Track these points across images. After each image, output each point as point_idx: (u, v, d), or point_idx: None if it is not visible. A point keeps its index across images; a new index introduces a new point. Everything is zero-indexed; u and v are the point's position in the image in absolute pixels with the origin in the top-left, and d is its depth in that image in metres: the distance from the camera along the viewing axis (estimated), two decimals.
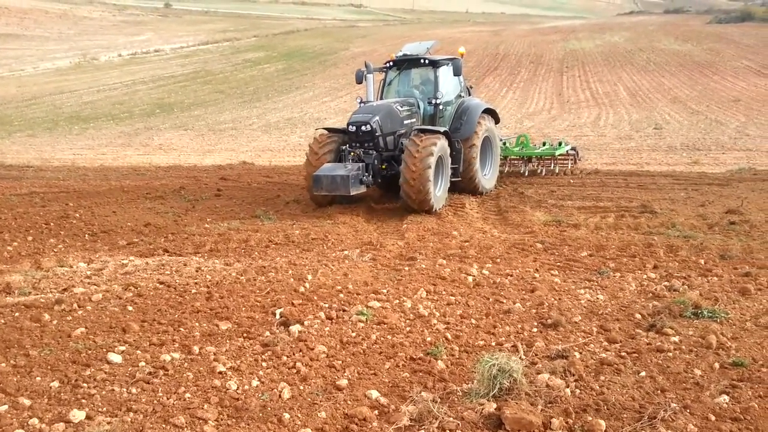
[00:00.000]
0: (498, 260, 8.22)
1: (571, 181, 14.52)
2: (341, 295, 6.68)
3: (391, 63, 13.22)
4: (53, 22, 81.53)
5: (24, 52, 62.81)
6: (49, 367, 4.79)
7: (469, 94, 13.89)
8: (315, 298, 6.55)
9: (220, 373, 4.76)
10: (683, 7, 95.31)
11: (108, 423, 3.95)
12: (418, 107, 12.74)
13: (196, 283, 6.97)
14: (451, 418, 4.11)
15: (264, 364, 4.98)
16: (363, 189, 11.35)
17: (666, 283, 7.05)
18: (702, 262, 7.88)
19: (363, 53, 51.38)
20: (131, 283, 6.86)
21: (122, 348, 5.16)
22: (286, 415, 4.20)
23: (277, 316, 5.98)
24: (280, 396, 4.46)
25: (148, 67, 54.81)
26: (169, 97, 41.40)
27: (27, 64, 56.73)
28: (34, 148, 25.63)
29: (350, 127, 11.64)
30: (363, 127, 11.45)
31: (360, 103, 12.63)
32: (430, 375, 4.84)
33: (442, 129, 11.87)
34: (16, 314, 5.89)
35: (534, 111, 31.52)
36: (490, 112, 13.72)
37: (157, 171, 18.37)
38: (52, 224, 10.53)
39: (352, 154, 11.50)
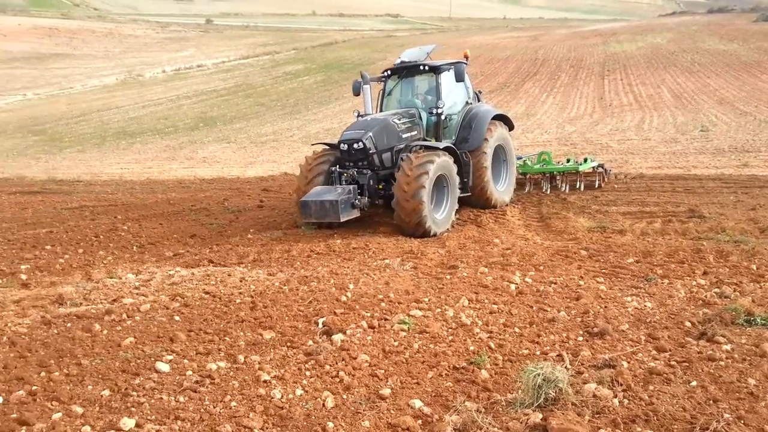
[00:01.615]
0: (541, 268, 8.12)
1: (616, 186, 14.25)
2: (383, 304, 6.68)
3: (389, 72, 12.34)
4: (100, 41, 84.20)
5: (73, 70, 65.01)
6: (100, 375, 4.92)
7: (479, 100, 12.94)
8: (357, 307, 6.57)
9: (265, 381, 4.81)
10: (727, 6, 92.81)
11: (156, 431, 4.03)
12: (420, 118, 11.75)
13: (240, 293, 7.07)
14: (496, 429, 4.06)
15: (307, 372, 5.02)
16: (355, 214, 10.44)
17: (716, 290, 6.85)
18: (754, 267, 7.63)
19: None
20: (178, 294, 7.00)
21: (170, 357, 5.27)
22: (330, 424, 4.21)
23: (320, 326, 6.01)
24: (323, 405, 4.48)
25: (191, 82, 56.08)
26: (211, 111, 42.26)
27: (76, 82, 58.70)
28: (83, 163, 26.46)
29: (342, 145, 10.77)
30: (355, 145, 10.58)
31: (357, 116, 11.77)
32: (473, 384, 4.79)
33: (442, 145, 10.97)
34: (68, 324, 6.07)
35: (575, 116, 31.10)
36: (502, 119, 12.79)
37: (202, 183, 18.75)
38: (101, 237, 10.83)
39: (345, 174, 10.75)
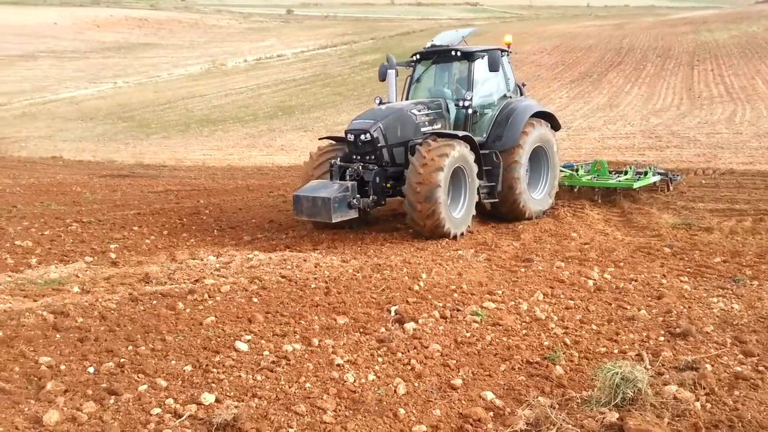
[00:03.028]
0: (621, 264, 7.88)
1: (703, 181, 13.60)
2: (455, 295, 6.67)
3: (419, 56, 11.11)
4: (186, 31, 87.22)
5: (160, 59, 67.64)
6: (182, 352, 5.14)
7: (521, 94, 11.48)
8: (429, 296, 6.58)
9: (338, 365, 4.90)
10: None
11: (235, 407, 4.18)
12: (447, 111, 10.45)
13: (315, 278, 7.21)
14: (570, 425, 3.99)
15: (380, 359, 5.07)
16: (352, 214, 9.32)
17: None
18: None
19: None
20: (256, 277, 7.20)
21: (248, 337, 5.44)
22: (402, 411, 4.25)
23: (392, 313, 6.07)
24: (395, 391, 4.52)
25: (271, 72, 57.29)
26: (290, 100, 43.06)
27: (162, 71, 61.03)
28: (168, 148, 27.55)
29: (348, 135, 9.74)
30: (362, 136, 9.52)
31: (379, 103, 10.60)
32: (547, 380, 4.73)
33: (460, 133, 9.78)
34: (154, 302, 6.35)
35: (661, 107, 29.80)
36: (546, 116, 11.21)
37: (279, 171, 19.18)
38: (184, 220, 11.28)
39: (349, 169, 9.68)
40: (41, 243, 9.26)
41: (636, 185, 11.84)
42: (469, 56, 10.48)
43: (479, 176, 9.90)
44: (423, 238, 9.36)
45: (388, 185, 9.77)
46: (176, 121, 37.75)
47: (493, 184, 10.23)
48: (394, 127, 9.72)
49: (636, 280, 7.17)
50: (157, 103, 44.58)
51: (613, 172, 12.64)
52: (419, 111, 10.07)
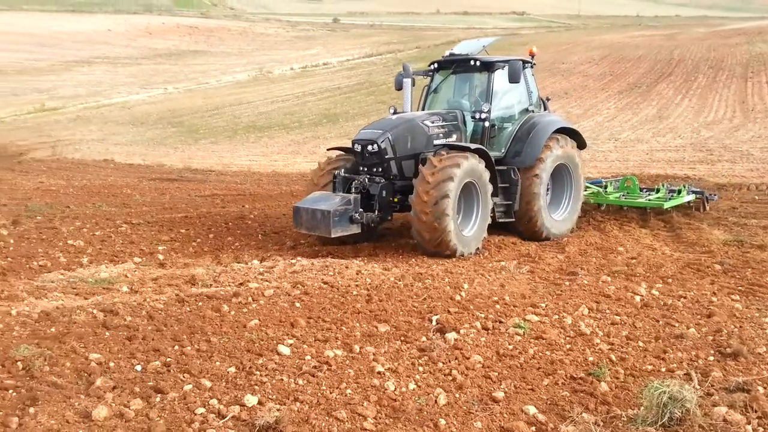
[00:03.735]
0: (669, 280, 7.69)
1: (756, 197, 13.19)
2: (497, 306, 6.61)
3: (437, 65, 10.65)
4: (234, 39, 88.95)
5: (209, 66, 69.10)
6: (227, 353, 5.22)
7: (545, 108, 10.95)
8: (471, 307, 6.54)
9: (379, 373, 4.90)
10: None
11: (277, 410, 4.22)
12: (464, 123, 9.91)
13: (357, 285, 7.24)
14: None
15: (420, 368, 5.06)
16: (354, 230, 8.88)
17: None
18: None
19: None
20: (299, 282, 7.27)
21: (290, 341, 5.49)
22: (442, 421, 4.23)
23: (434, 323, 6.05)
24: (436, 401, 4.50)
25: (316, 80, 57.91)
26: (335, 108, 43.43)
27: (211, 78, 62.32)
28: (216, 154, 28.09)
29: (355, 145, 9.36)
30: (369, 147, 9.09)
31: (393, 113, 10.20)
32: (591, 396, 4.63)
33: (473, 146, 9.24)
34: (200, 304, 6.48)
35: (713, 120, 29.03)
36: (570, 133, 10.58)
37: None
38: (230, 224, 11.47)
39: (355, 181, 9.24)
40: (92, 243, 9.54)
41: (667, 205, 11.11)
42: (488, 66, 9.97)
43: (495, 194, 9.41)
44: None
45: (396, 200, 9.26)
46: (224, 127, 38.46)
47: (510, 202, 9.74)
48: (404, 138, 9.27)
49: (685, 297, 6.98)
50: (205, 109, 45.50)
51: (645, 190, 12.06)
52: (433, 122, 9.58)
